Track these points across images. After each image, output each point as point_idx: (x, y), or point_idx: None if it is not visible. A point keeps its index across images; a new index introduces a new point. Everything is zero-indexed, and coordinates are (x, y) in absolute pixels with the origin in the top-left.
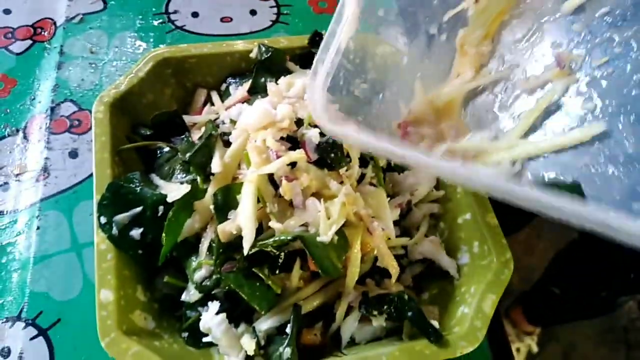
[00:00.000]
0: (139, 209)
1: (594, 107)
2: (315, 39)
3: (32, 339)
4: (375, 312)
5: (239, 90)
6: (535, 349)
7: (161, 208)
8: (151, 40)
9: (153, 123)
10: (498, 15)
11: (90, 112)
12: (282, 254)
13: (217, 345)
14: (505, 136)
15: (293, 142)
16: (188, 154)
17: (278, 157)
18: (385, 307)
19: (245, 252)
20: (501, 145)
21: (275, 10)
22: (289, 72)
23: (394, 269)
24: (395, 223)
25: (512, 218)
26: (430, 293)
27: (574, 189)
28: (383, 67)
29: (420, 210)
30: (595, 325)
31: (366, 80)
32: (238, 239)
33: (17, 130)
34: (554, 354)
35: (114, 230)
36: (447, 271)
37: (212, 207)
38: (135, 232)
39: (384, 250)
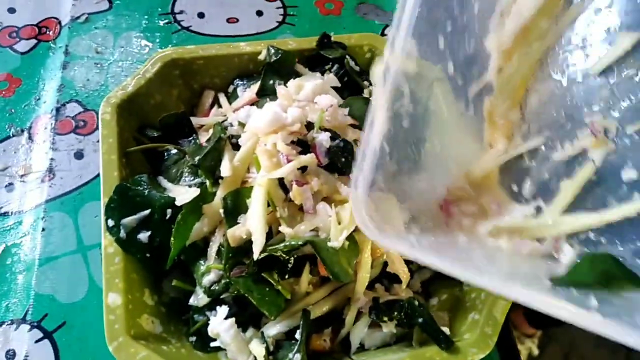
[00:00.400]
0: (146, 212)
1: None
2: (324, 41)
3: (37, 341)
4: (385, 318)
5: (246, 93)
6: (535, 351)
7: (169, 211)
8: (157, 40)
9: (161, 125)
10: (522, 82)
11: (96, 112)
12: (292, 258)
13: (224, 350)
14: (548, 211)
15: (303, 145)
16: (197, 158)
17: (288, 161)
18: (395, 313)
19: (256, 257)
20: (546, 222)
21: (281, 11)
22: (297, 74)
23: (404, 274)
24: None
25: None
26: (439, 298)
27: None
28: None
29: None
30: None
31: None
32: (247, 243)
33: (22, 131)
34: (555, 356)
35: (122, 233)
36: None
37: (221, 210)
38: (143, 235)
39: (395, 256)
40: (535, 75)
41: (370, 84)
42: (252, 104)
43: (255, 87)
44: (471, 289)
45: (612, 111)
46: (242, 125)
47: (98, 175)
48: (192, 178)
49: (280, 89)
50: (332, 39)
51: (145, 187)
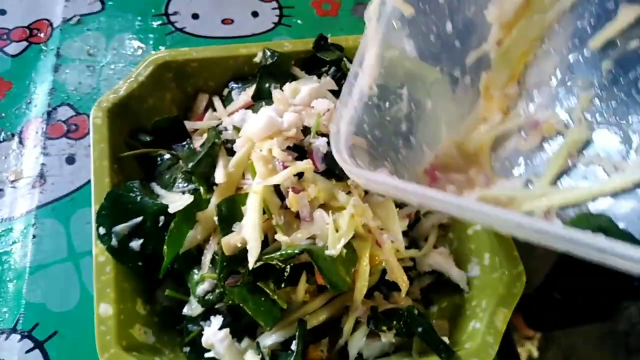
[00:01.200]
0: (139, 219)
1: (636, 146)
2: (321, 43)
3: (27, 351)
4: (384, 328)
5: (242, 96)
6: (535, 353)
7: (162, 218)
8: (150, 42)
9: (154, 129)
10: (522, 56)
11: (88, 116)
12: (288, 267)
13: None
14: (538, 183)
15: (300, 151)
16: (191, 164)
17: (284, 167)
18: (394, 322)
19: (251, 266)
20: (534, 193)
21: (277, 12)
22: (294, 77)
23: (404, 283)
24: (403, 234)
25: None
26: (439, 306)
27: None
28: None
29: (429, 220)
30: (596, 329)
31: (390, 126)
32: (242, 251)
33: (13, 135)
34: (554, 359)
35: (114, 242)
36: (457, 284)
37: (215, 218)
38: (135, 244)
39: (394, 264)
40: (535, 51)
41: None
42: (247, 108)
43: (251, 90)
44: (472, 297)
45: (611, 86)
46: (237, 129)
47: (90, 181)
48: (186, 184)
49: (275, 93)
50: (329, 40)
51: (138, 193)
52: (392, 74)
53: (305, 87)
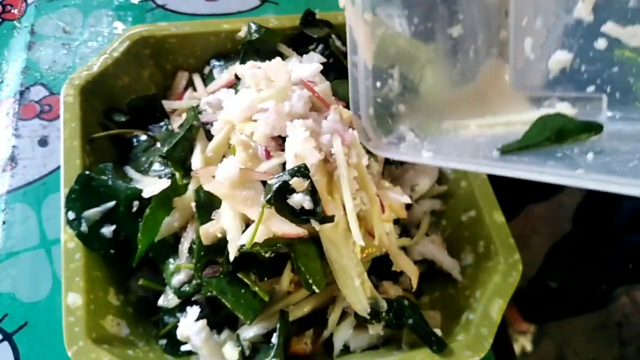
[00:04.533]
0: (111, 203)
1: None
2: (308, 19)
3: None
4: (372, 319)
5: (224, 74)
6: (529, 347)
7: (136, 203)
8: (129, 19)
9: (129, 108)
10: None
11: None
12: (270, 256)
13: (197, 354)
14: None
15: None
16: (166, 148)
17: (267, 152)
18: (383, 313)
19: (231, 257)
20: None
21: None
22: (279, 54)
23: (414, 273)
24: (394, 221)
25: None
26: (430, 296)
27: None
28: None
29: (421, 207)
30: (589, 321)
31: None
32: (222, 240)
33: None
34: (548, 352)
35: (84, 227)
36: (449, 273)
37: (193, 205)
38: (107, 230)
39: (399, 253)
40: None
41: None
42: (229, 87)
43: (234, 68)
44: (466, 284)
45: None
46: (217, 110)
47: None
48: (163, 168)
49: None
50: (317, 16)
51: (111, 176)
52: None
53: (295, 67)
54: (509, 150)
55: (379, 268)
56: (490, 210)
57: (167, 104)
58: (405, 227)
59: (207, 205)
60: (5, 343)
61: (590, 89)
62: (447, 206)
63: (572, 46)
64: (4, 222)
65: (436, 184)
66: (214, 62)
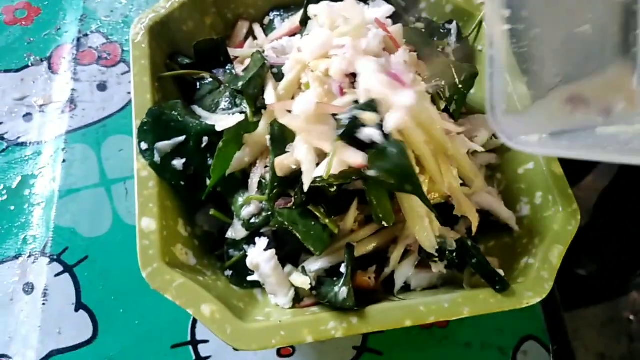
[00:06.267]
0: (181, 138)
1: None
2: None
3: (57, 275)
4: (435, 258)
5: (286, 23)
6: None
7: (205, 139)
8: None
9: (195, 50)
10: None
11: (120, 45)
12: (335, 193)
13: (261, 286)
14: None
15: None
16: (241, 83)
17: (341, 89)
18: (447, 252)
19: (306, 187)
20: None
21: None
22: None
23: (474, 217)
24: None
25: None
26: (485, 246)
27: None
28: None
29: (478, 159)
30: (598, 315)
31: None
32: (294, 174)
33: (42, 60)
34: None
35: (156, 157)
36: (503, 224)
37: (268, 137)
38: (178, 162)
39: (462, 198)
40: None
41: (417, 21)
42: (292, 35)
43: (296, 17)
44: (523, 234)
45: None
46: (282, 55)
47: (123, 108)
48: (230, 107)
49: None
50: None
51: (180, 112)
52: None
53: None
54: None
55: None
56: (549, 162)
57: (230, 51)
58: (461, 178)
59: (281, 139)
60: (67, 275)
61: None
62: (502, 160)
63: None
64: (64, 160)
65: (493, 137)
66: (274, 13)
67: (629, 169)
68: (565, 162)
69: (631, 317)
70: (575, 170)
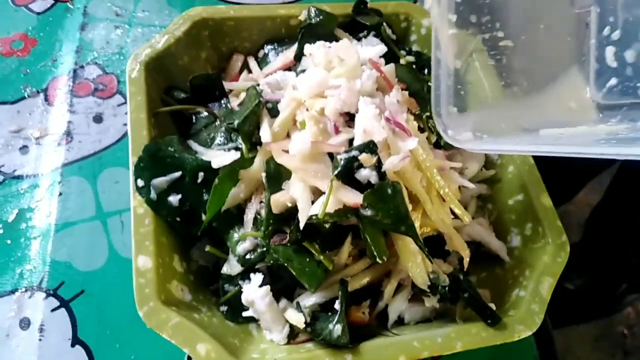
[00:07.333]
0: (177, 173)
1: None
2: (360, 7)
3: (53, 310)
4: (428, 293)
5: (280, 57)
6: None
7: (201, 175)
8: (181, 4)
9: (191, 85)
10: None
11: (116, 76)
12: (330, 229)
13: (256, 321)
14: None
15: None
16: (237, 121)
17: (336, 128)
18: (439, 287)
19: (301, 225)
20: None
21: None
22: (336, 39)
23: (465, 252)
24: None
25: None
26: (478, 277)
27: None
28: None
29: (468, 190)
30: (592, 330)
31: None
32: (289, 210)
33: (38, 92)
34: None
35: (152, 194)
36: (495, 255)
37: (263, 175)
38: (174, 198)
39: (453, 233)
40: None
41: (407, 54)
42: (286, 69)
43: (290, 51)
44: (514, 265)
45: None
46: (276, 90)
47: (119, 140)
48: (226, 142)
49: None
50: (368, 5)
51: (176, 148)
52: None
53: (360, 49)
54: None
55: (429, 247)
56: (538, 194)
57: (225, 85)
58: (451, 210)
59: (277, 176)
60: (63, 309)
61: None
62: (493, 191)
63: None
64: (60, 193)
65: (483, 169)
66: (268, 47)
67: (619, 185)
68: (558, 177)
69: (625, 332)
70: (568, 187)
